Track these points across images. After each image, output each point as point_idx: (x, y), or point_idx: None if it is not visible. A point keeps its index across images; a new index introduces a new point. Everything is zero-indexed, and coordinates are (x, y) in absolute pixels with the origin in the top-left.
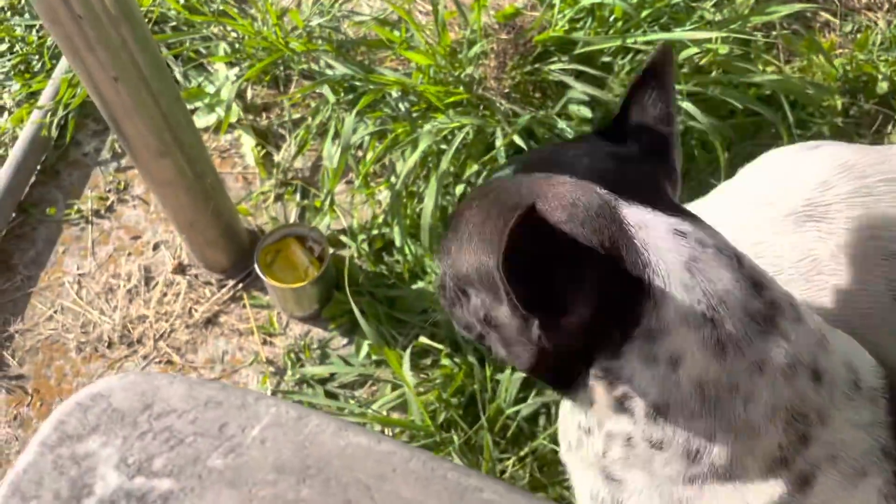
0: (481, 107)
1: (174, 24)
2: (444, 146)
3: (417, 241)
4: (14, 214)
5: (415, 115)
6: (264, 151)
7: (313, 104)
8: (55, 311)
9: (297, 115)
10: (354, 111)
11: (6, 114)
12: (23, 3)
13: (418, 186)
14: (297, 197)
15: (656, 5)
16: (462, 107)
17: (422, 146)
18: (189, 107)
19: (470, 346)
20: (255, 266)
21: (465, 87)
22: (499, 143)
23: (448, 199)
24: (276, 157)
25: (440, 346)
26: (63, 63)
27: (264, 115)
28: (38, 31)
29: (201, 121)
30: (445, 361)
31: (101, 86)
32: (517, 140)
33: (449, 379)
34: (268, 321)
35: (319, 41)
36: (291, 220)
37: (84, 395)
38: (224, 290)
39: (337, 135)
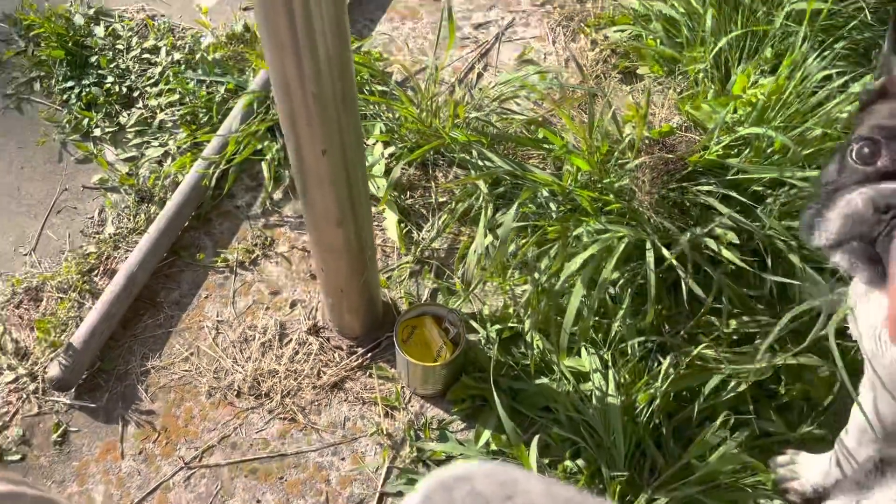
0: (627, 216)
1: None
2: (592, 251)
3: (546, 336)
4: (165, 255)
5: (560, 213)
6: (406, 228)
7: (457, 189)
8: (191, 353)
9: (441, 199)
10: (513, 209)
11: (170, 159)
12: (196, 59)
13: (552, 282)
14: (432, 275)
15: (817, 145)
16: (613, 215)
17: (589, 252)
18: None
19: (589, 450)
20: (394, 338)
21: (616, 196)
22: (649, 257)
23: (587, 302)
24: (416, 236)
25: (571, 436)
26: (229, 121)
27: (408, 192)
28: (207, 87)
29: None
30: (568, 463)
31: (307, 157)
32: (666, 253)
33: (571, 480)
34: (391, 394)
35: (474, 132)
36: (424, 297)
37: (447, 476)
38: (353, 356)
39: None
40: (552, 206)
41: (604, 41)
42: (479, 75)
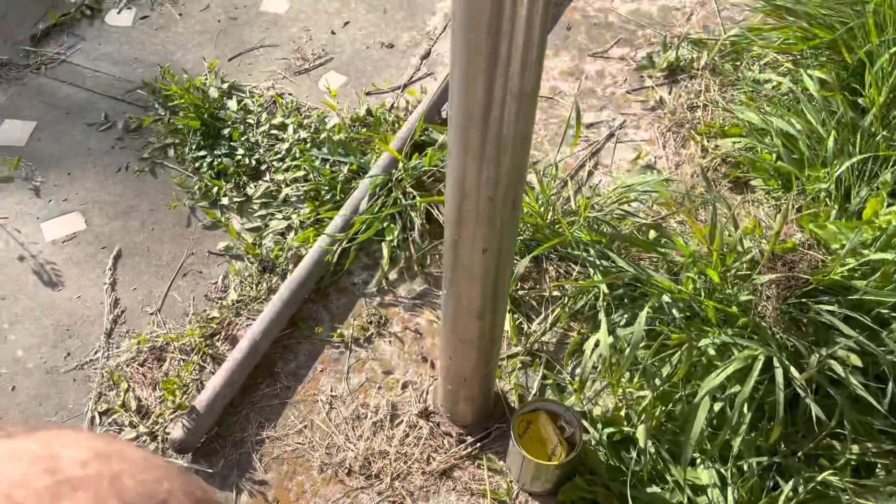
0: (749, 329)
1: None
2: (717, 362)
3: (658, 443)
4: (285, 325)
5: (682, 319)
6: (518, 320)
7: (569, 285)
8: (305, 426)
9: (555, 293)
10: (643, 316)
11: (293, 232)
12: (321, 138)
13: (671, 390)
14: (542, 368)
15: None
16: (736, 328)
17: (727, 371)
18: None
19: None
20: (511, 432)
21: (740, 309)
22: (778, 377)
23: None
24: (527, 327)
25: None
26: (353, 201)
27: (519, 283)
28: (330, 166)
29: None
30: None
31: (465, 253)
32: (795, 374)
33: None
34: (500, 487)
35: (593, 231)
36: (533, 390)
37: None
38: (462, 445)
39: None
40: (675, 312)
41: (714, 150)
42: (590, 173)
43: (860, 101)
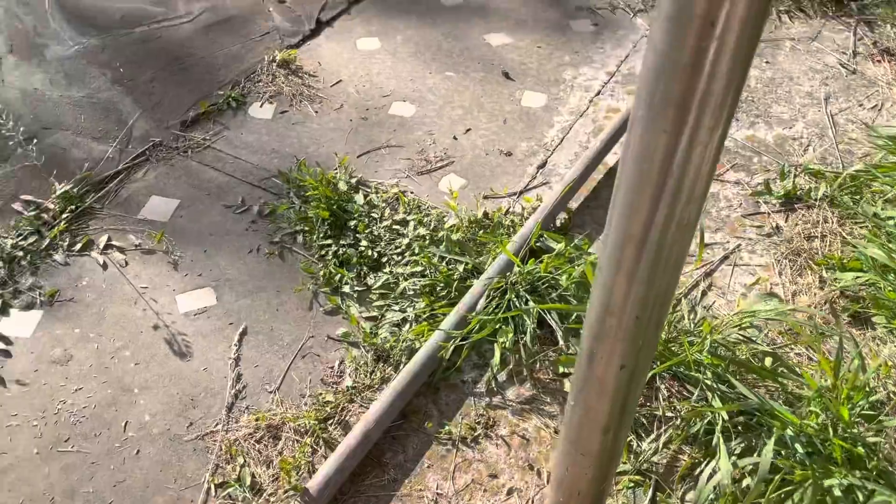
0: (875, 472)
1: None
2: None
3: None
4: (396, 417)
5: (805, 455)
6: (629, 437)
7: (681, 406)
8: None
9: (669, 413)
10: (769, 451)
11: (408, 324)
12: (439, 236)
13: None
14: (652, 490)
15: None
16: (865, 470)
17: None
18: (561, 369)
19: None
20: None
21: (867, 450)
22: None
23: None
24: (635, 445)
25: None
26: (469, 300)
27: None
28: (447, 263)
29: None
30: None
31: (600, 368)
32: None
33: None
34: None
35: (712, 355)
36: None
37: None
38: None
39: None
40: (798, 447)
41: (834, 282)
42: (704, 293)
43: None
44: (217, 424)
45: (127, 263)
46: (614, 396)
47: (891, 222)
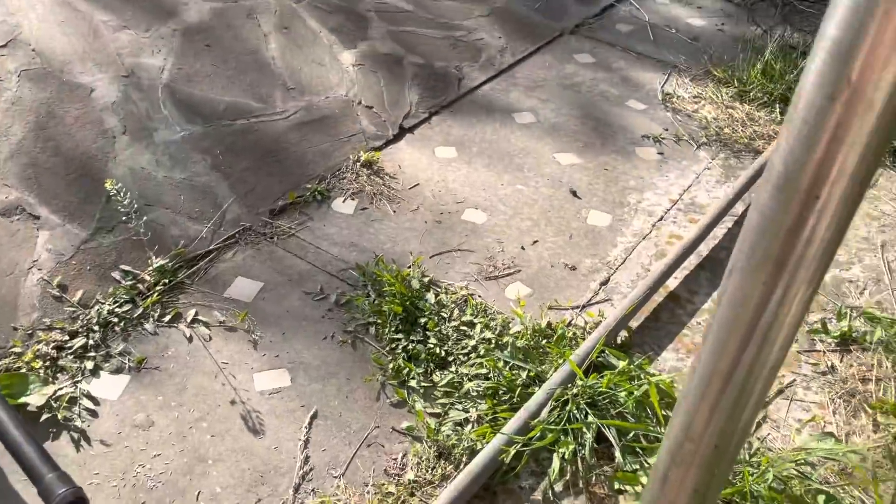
0: None
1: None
2: None
3: None
4: None
5: None
6: None
7: None
8: None
9: None
10: None
11: (470, 424)
12: (504, 341)
13: None
14: None
15: None
16: None
17: None
18: (617, 486)
19: None
20: None
21: None
22: None
23: None
24: None
25: None
26: (533, 405)
27: None
28: (511, 369)
29: None
30: None
31: (673, 493)
32: None
33: None
34: None
35: (767, 490)
36: None
37: None
38: None
39: None
40: None
41: (887, 427)
42: (759, 425)
43: None
44: (284, 503)
45: (211, 338)
46: None
47: None
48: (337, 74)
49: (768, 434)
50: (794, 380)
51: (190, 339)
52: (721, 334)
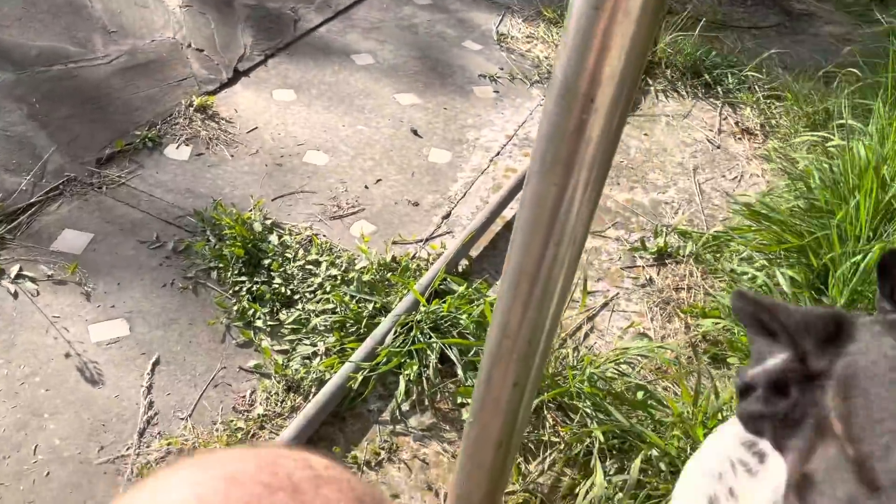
0: None
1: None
2: None
3: None
4: (305, 443)
5: (670, 473)
6: (518, 460)
7: (565, 433)
8: None
9: (553, 439)
10: (637, 465)
11: (318, 358)
12: (350, 277)
13: None
14: None
15: None
16: None
17: None
18: (460, 400)
19: None
20: None
21: None
22: None
23: None
24: (523, 468)
25: None
26: (379, 333)
27: None
28: (357, 302)
29: None
30: None
31: (496, 387)
32: None
33: None
34: None
35: (592, 386)
36: None
37: None
38: None
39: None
40: (661, 465)
41: (696, 328)
42: (586, 335)
43: (824, 300)
44: (128, 449)
45: (39, 293)
46: (507, 413)
47: (745, 277)
48: (162, 16)
49: (595, 343)
50: (618, 293)
51: (15, 296)
52: (525, 236)
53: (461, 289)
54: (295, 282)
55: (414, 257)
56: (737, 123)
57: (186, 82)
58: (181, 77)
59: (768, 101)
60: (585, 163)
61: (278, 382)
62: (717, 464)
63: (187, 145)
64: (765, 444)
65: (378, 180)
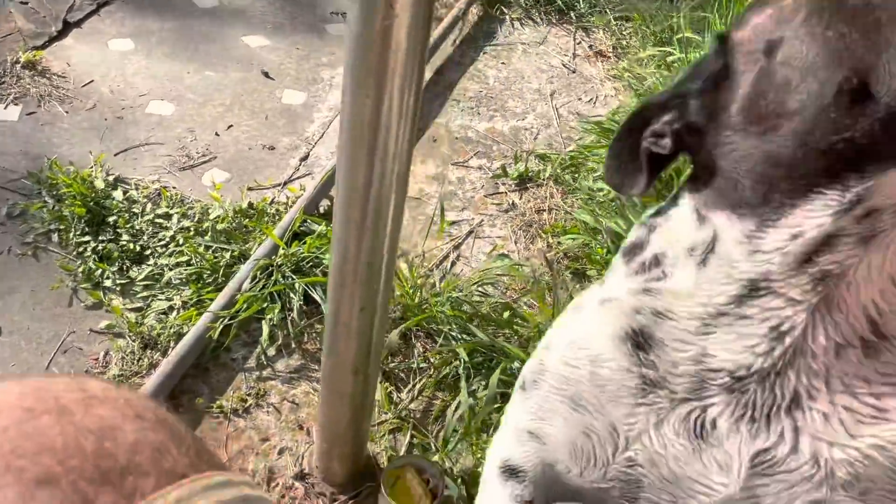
0: None
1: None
2: None
3: None
4: (166, 398)
5: None
6: (389, 390)
7: (433, 358)
8: None
9: (422, 365)
10: (496, 375)
11: (175, 312)
12: (204, 227)
13: None
14: (410, 432)
15: None
16: None
17: None
18: None
19: None
20: (381, 484)
21: None
22: None
23: None
24: (395, 397)
25: None
26: (237, 282)
27: (389, 357)
28: (213, 252)
29: None
30: None
31: (344, 313)
32: None
33: None
34: None
35: (456, 309)
36: (402, 452)
37: None
38: (336, 503)
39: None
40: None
41: (557, 245)
42: (453, 263)
43: None
44: None
45: None
46: (359, 338)
47: (600, 193)
48: None
49: (461, 269)
50: (482, 220)
51: None
52: (350, 154)
53: (321, 228)
54: (145, 237)
55: (272, 202)
56: (590, 47)
57: (11, 38)
58: (4, 33)
59: (619, 23)
60: (397, 73)
61: (133, 341)
62: (616, 328)
63: (16, 104)
64: (651, 273)
65: (229, 126)
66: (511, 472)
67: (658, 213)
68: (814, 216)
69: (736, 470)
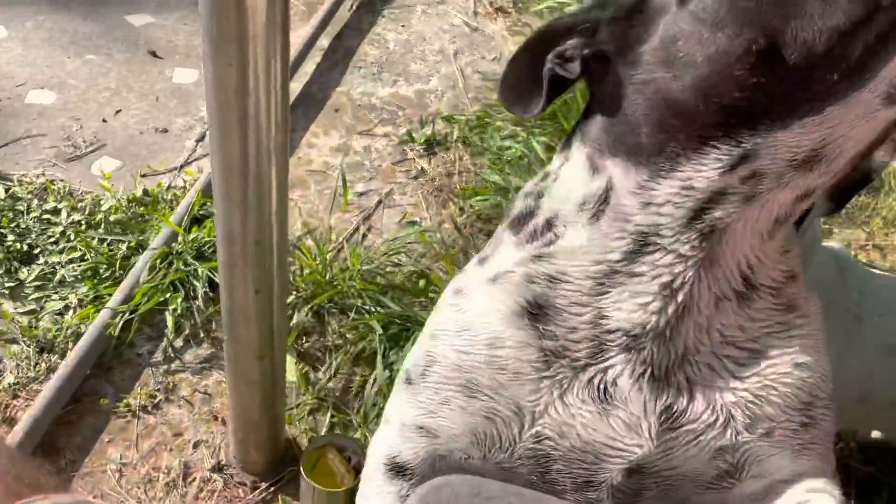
0: None
1: None
2: None
3: None
4: (67, 402)
5: None
6: (304, 370)
7: (350, 334)
8: (95, 496)
9: (337, 343)
10: (409, 346)
11: (71, 311)
12: (97, 220)
13: None
14: (330, 411)
15: None
16: None
17: None
18: None
19: None
20: (301, 467)
21: None
22: None
23: None
24: (312, 377)
25: None
26: (134, 274)
27: (304, 338)
28: (108, 245)
29: None
30: None
31: (239, 296)
32: None
33: None
34: None
35: (367, 282)
36: (323, 432)
37: (436, 482)
38: (257, 491)
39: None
40: None
41: (469, 208)
42: (364, 236)
43: None
44: None
45: None
46: (259, 322)
47: (509, 152)
48: None
49: (373, 242)
50: (392, 189)
51: None
52: (219, 128)
53: None
54: (32, 235)
55: (169, 187)
56: (490, 3)
57: None
58: None
59: None
60: (259, 37)
61: (28, 345)
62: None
63: None
64: (543, 238)
65: (117, 112)
66: (398, 469)
67: (545, 178)
68: (703, 170)
69: (646, 429)
